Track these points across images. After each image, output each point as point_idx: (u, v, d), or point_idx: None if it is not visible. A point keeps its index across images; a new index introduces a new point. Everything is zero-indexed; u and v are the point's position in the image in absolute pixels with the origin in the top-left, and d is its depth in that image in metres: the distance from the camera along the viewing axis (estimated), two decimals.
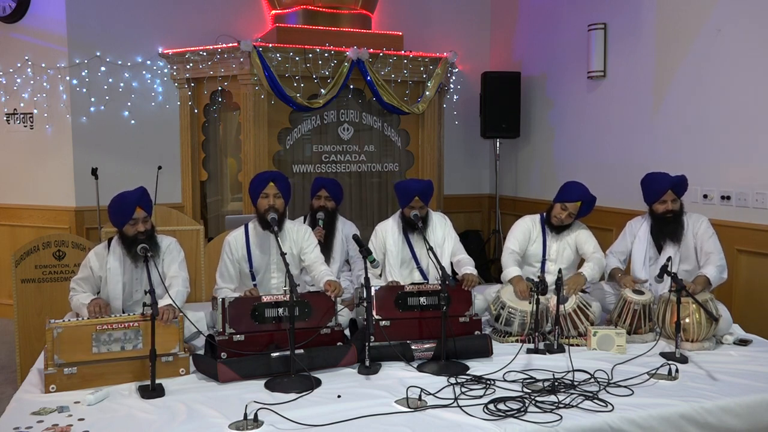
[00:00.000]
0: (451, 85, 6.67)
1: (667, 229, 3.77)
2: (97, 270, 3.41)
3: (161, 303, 3.01)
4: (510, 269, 3.84)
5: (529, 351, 3.32)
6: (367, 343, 3.01)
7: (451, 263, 3.99)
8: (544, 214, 4.03)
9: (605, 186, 5.40)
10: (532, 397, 2.67)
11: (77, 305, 3.34)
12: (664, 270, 3.32)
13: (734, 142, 4.40)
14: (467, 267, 3.83)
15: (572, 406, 2.60)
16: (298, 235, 3.71)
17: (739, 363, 3.16)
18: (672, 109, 4.87)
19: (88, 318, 3.06)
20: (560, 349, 3.31)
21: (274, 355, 2.98)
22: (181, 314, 3.02)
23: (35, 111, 5.81)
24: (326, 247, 4.17)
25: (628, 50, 5.25)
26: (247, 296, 3.28)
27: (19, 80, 5.82)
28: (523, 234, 4.01)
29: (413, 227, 3.91)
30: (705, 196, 4.58)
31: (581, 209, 3.90)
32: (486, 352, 3.22)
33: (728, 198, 4.44)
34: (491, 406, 2.58)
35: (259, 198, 3.59)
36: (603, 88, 5.57)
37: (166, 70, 5.94)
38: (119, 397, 2.71)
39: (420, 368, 3.05)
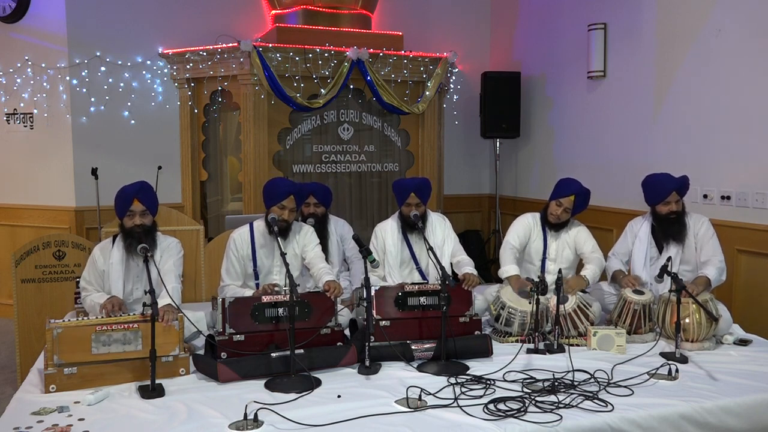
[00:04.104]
0: (451, 85, 6.67)
1: (671, 230, 3.78)
2: (101, 264, 3.42)
3: (160, 302, 3.00)
4: (508, 267, 3.83)
5: (529, 351, 3.32)
6: (367, 343, 3.01)
7: (451, 264, 3.99)
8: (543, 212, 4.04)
9: (605, 186, 5.41)
10: (532, 397, 2.67)
11: (91, 305, 3.33)
12: (664, 270, 3.32)
13: (734, 142, 4.40)
14: (467, 267, 3.83)
15: (572, 406, 2.60)
16: (301, 234, 3.72)
17: (739, 363, 3.16)
18: (672, 109, 4.87)
19: (103, 317, 3.05)
20: (560, 349, 3.31)
21: (274, 355, 2.98)
22: (181, 314, 3.02)
23: (35, 111, 5.81)
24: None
25: (628, 50, 5.25)
26: (257, 295, 3.28)
27: (19, 80, 5.82)
28: (524, 230, 4.01)
29: (412, 227, 3.91)
30: (705, 196, 4.58)
31: (577, 204, 3.90)
32: (486, 352, 3.22)
33: (728, 198, 4.44)
34: (491, 406, 2.58)
35: (275, 206, 3.58)
36: (603, 88, 5.57)
37: (166, 70, 5.94)
38: (119, 397, 2.71)
39: (420, 368, 3.05)
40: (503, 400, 2.64)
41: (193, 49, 5.68)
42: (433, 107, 6.20)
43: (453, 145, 6.95)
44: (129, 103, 5.85)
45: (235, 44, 5.47)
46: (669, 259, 3.40)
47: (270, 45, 5.54)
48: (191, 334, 3.38)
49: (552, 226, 3.96)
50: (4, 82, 5.86)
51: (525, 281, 3.65)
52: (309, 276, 3.71)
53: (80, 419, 2.48)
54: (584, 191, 3.91)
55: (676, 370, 2.96)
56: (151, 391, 2.72)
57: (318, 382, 2.86)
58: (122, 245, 3.40)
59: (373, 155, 6.13)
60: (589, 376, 2.91)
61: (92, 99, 5.74)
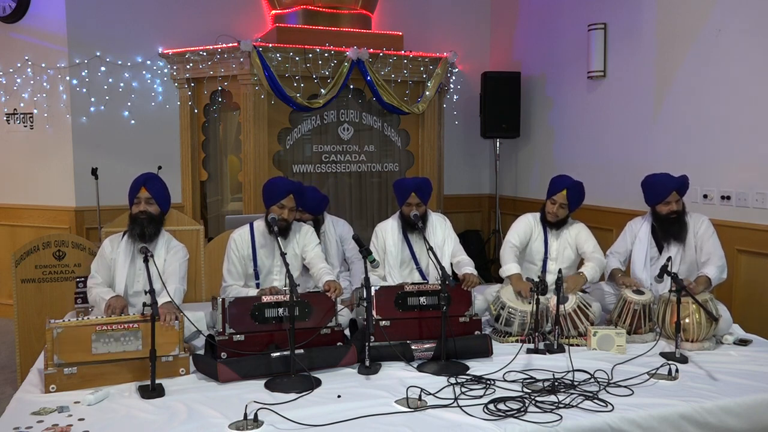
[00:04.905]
0: (451, 85, 6.67)
1: (671, 229, 3.78)
2: (109, 253, 3.47)
3: (160, 302, 3.01)
4: (509, 265, 3.83)
5: (529, 351, 3.32)
6: (367, 343, 3.01)
7: (451, 264, 3.99)
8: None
9: (605, 186, 5.41)
10: (532, 397, 2.67)
11: (96, 298, 3.36)
12: (664, 270, 3.32)
13: (734, 143, 4.40)
14: (467, 267, 3.83)
15: (572, 406, 2.60)
16: (301, 233, 3.72)
17: (739, 363, 3.16)
18: (672, 109, 4.87)
19: (103, 315, 3.08)
20: (560, 349, 3.31)
21: (274, 355, 2.98)
22: (181, 314, 3.02)
23: (35, 111, 5.81)
24: None
25: (628, 50, 5.25)
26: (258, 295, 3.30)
27: (19, 80, 5.82)
28: (525, 229, 4.01)
29: (413, 227, 3.91)
30: (705, 196, 4.58)
31: (571, 198, 3.89)
32: (486, 352, 3.22)
33: (728, 198, 4.44)
34: (491, 406, 2.58)
35: (274, 205, 3.58)
36: (603, 88, 5.57)
37: (166, 70, 5.94)
38: (119, 397, 2.71)
39: (420, 368, 3.05)
40: (503, 400, 2.64)
41: (193, 49, 5.68)
42: (433, 107, 6.20)
43: (453, 145, 6.95)
44: (129, 103, 5.85)
45: (235, 44, 5.47)
46: (669, 259, 3.40)
47: (270, 45, 5.54)
48: (191, 334, 3.39)
49: (552, 225, 3.97)
50: (4, 82, 5.86)
51: (526, 282, 3.64)
52: (309, 276, 3.71)
53: (80, 419, 2.48)
54: (576, 184, 3.90)
55: (676, 370, 2.96)
56: (151, 391, 2.72)
57: (318, 382, 2.86)
58: (130, 237, 3.46)
59: (373, 155, 6.13)
60: (589, 376, 2.91)
61: (92, 99, 5.74)
